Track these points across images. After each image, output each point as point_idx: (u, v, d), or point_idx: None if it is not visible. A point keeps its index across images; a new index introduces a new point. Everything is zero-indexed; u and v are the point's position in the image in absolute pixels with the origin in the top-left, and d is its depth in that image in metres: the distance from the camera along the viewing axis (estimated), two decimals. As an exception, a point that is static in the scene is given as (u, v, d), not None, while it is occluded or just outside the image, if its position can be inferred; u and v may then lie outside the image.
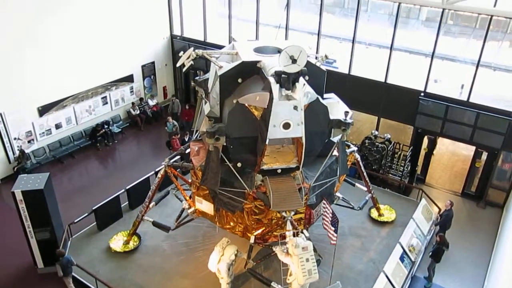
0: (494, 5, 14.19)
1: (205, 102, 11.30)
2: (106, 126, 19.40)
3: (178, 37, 21.84)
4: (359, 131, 17.91)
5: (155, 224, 12.24)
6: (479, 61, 14.68)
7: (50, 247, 12.01)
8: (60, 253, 11.26)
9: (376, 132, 16.81)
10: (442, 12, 14.99)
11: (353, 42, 16.77)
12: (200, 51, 10.01)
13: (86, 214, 13.01)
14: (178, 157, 14.37)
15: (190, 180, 12.08)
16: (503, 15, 14.32)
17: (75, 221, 12.78)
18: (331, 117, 10.24)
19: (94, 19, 18.23)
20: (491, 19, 14.24)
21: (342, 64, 17.46)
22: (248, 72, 10.22)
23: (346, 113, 10.37)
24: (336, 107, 11.07)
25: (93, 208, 13.06)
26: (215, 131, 9.77)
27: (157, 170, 14.29)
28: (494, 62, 16.39)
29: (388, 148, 16.30)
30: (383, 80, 16.55)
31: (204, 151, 11.18)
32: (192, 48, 10.25)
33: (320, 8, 17.20)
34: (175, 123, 18.88)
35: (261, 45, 11.30)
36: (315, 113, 10.03)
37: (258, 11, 18.90)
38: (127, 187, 14.01)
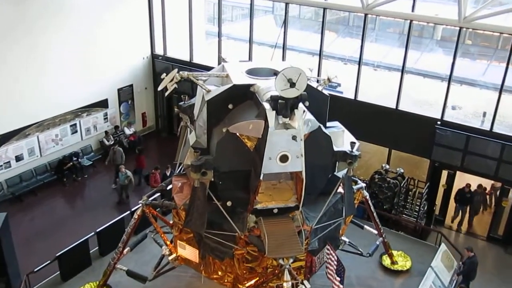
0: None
1: (190, 131, 11.31)
2: (75, 159, 19.34)
3: (160, 57, 22.11)
4: (367, 164, 17.94)
5: (129, 273, 11.98)
6: (502, 85, 14.90)
7: (5, 301, 11.69)
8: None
9: (387, 166, 16.84)
10: (459, 31, 15.34)
11: (359, 64, 17.04)
12: (185, 73, 10.09)
13: (49, 261, 12.75)
14: (158, 194, 14.23)
15: (171, 222, 11.93)
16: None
17: (35, 270, 12.49)
18: (335, 148, 10.26)
19: (63, 35, 18.47)
20: (514, 39, 14.60)
21: (347, 89, 17.68)
22: (240, 97, 10.28)
23: (353, 144, 10.40)
24: (341, 137, 11.10)
25: (57, 255, 12.80)
26: (201, 164, 9.73)
27: (133, 209, 14.11)
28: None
29: (401, 185, 16.30)
30: (394, 107, 16.73)
31: (189, 187, 11.09)
32: (176, 70, 10.34)
33: (321, 26, 17.56)
34: (129, 173, 17.98)
35: (255, 66, 11.42)
36: (317, 144, 10.04)
37: (251, 29, 19.26)
38: (98, 230, 13.80)
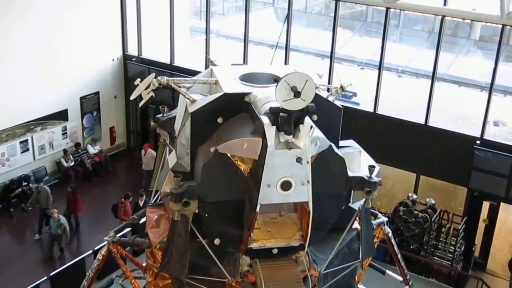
0: None
1: (170, 151, 11.30)
2: (25, 183, 19.26)
3: (133, 59, 22.19)
4: (390, 194, 17.93)
5: (91, 329, 11.83)
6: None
7: None
8: None
9: (415, 196, 16.81)
10: (502, 30, 15.47)
11: (379, 69, 17.12)
12: (164, 79, 10.06)
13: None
14: (129, 229, 14.16)
15: (144, 264, 11.83)
16: None
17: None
18: (350, 173, 10.23)
19: (13, 35, 18.49)
20: None
21: (364, 99, 17.75)
22: (232, 109, 10.26)
23: (372, 168, 10.36)
24: (357, 160, 11.07)
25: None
26: (183, 192, 9.65)
27: (96, 248, 14.02)
28: None
29: (432, 219, 16.26)
30: (422, 122, 16.77)
31: (167, 221, 11.02)
32: (153, 74, 10.30)
33: (333, 22, 17.68)
34: (63, 220, 16.94)
35: (251, 71, 11.45)
36: (327, 168, 10.01)
37: (247, 24, 19.39)
38: (52, 273, 13.68)
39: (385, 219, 12.76)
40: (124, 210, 17.75)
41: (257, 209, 9.21)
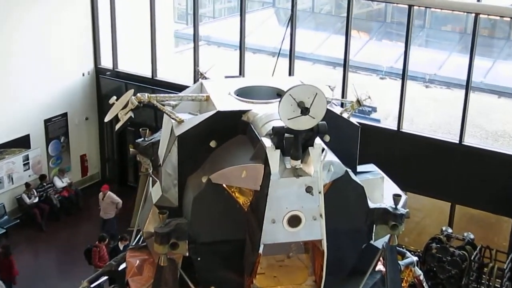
0: None
1: (154, 182, 11.32)
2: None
3: (108, 73, 22.27)
4: (420, 228, 17.88)
5: None
6: None
7: None
8: None
9: (450, 230, 16.74)
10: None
11: (403, 78, 17.14)
12: (145, 96, 10.11)
13: None
14: (105, 278, 14.11)
15: (125, 320, 11.79)
16: None
17: None
18: (371, 204, 10.23)
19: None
20: None
21: (386, 115, 17.78)
22: (227, 130, 10.30)
23: (397, 197, 10.35)
24: (379, 188, 11.06)
25: None
26: (170, 231, 9.63)
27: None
28: None
29: (472, 258, 16.18)
30: (456, 141, 16.77)
31: (151, 267, 11.00)
32: (131, 91, 10.36)
33: (346, 23, 17.75)
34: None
35: (249, 84, 11.53)
36: (343, 199, 10.00)
37: (243, 29, 19.50)
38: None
39: (415, 258, 12.71)
40: (99, 255, 17.66)
41: (260, 250, 9.18)
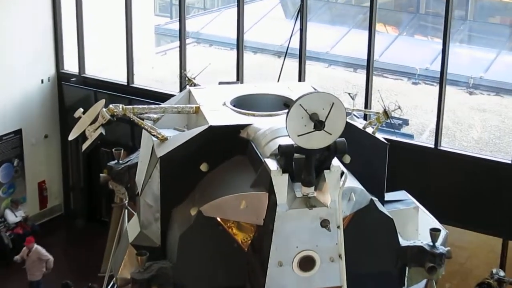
0: None
1: (130, 216, 11.21)
2: None
3: (73, 79, 22.23)
4: (464, 270, 17.82)
5: None
6: None
7: None
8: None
9: (502, 273, 16.64)
10: None
11: (441, 83, 17.08)
12: (119, 107, 10.03)
13: None
14: None
15: None
16: None
17: None
18: (403, 242, 10.11)
19: None
20: None
21: (420, 129, 17.69)
22: (222, 150, 10.22)
23: (435, 232, 10.28)
24: (413, 220, 11.00)
25: None
26: (150, 277, 9.56)
27: None
28: None
29: (528, 306, 16.11)
30: (509, 161, 16.67)
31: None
32: (102, 101, 10.30)
33: (370, 16, 17.71)
34: None
35: (248, 92, 11.45)
36: (367, 235, 9.93)
37: (240, 24, 19.46)
38: None
39: (460, 309, 12.57)
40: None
41: (265, 301, 9.02)
